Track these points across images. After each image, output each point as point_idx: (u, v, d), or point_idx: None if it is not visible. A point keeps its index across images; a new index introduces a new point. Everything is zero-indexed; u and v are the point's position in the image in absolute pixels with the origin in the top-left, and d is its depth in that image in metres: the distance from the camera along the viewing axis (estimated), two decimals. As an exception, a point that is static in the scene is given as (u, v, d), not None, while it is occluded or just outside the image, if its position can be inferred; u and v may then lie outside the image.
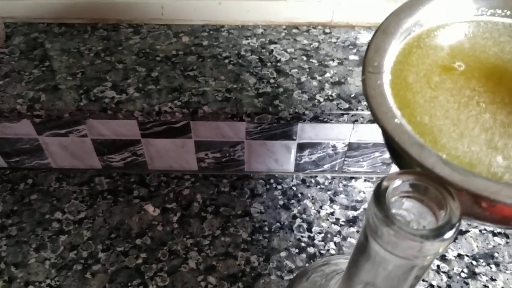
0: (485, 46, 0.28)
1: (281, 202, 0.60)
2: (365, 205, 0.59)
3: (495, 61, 0.27)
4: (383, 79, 0.25)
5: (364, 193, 0.61)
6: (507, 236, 0.56)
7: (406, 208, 0.24)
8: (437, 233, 0.20)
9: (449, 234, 0.20)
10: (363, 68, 0.26)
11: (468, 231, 0.57)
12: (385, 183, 0.21)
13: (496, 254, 0.55)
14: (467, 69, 0.27)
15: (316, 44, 0.62)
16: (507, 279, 0.53)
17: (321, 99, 0.55)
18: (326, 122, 0.55)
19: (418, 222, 0.24)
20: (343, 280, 0.27)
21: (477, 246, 0.56)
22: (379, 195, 0.20)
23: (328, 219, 0.58)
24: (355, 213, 0.58)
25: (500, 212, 0.22)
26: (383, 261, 0.22)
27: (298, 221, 0.58)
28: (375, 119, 0.24)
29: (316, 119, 0.54)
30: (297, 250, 0.55)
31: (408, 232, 0.20)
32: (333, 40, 0.62)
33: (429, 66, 0.27)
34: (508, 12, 0.29)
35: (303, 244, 0.56)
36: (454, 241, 0.56)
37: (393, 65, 0.27)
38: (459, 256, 0.55)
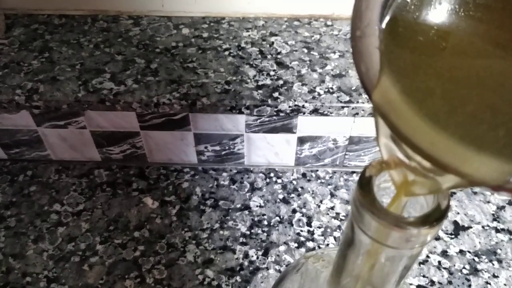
0: None
1: (281, 196, 0.59)
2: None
3: None
4: (378, 42, 0.19)
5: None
6: (510, 233, 0.55)
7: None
8: (424, 220, 0.19)
9: (436, 221, 0.19)
10: (352, 31, 0.19)
11: (471, 227, 0.56)
12: (369, 170, 0.20)
13: (498, 251, 0.54)
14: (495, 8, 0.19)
15: (318, 36, 0.61)
16: (510, 276, 0.52)
17: (321, 92, 0.54)
18: (326, 115, 0.54)
19: (408, 212, 0.24)
20: (332, 272, 0.26)
21: (479, 242, 0.54)
22: (363, 182, 0.20)
23: (328, 214, 0.57)
24: (355, 208, 0.58)
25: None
26: (369, 251, 0.22)
27: (297, 215, 0.57)
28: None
29: (316, 111, 0.54)
30: (296, 245, 0.54)
31: (393, 219, 0.19)
32: (335, 32, 0.62)
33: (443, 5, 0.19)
34: None
35: (302, 239, 0.55)
36: (456, 237, 0.55)
37: (397, 10, 0.19)
38: (461, 252, 0.54)
